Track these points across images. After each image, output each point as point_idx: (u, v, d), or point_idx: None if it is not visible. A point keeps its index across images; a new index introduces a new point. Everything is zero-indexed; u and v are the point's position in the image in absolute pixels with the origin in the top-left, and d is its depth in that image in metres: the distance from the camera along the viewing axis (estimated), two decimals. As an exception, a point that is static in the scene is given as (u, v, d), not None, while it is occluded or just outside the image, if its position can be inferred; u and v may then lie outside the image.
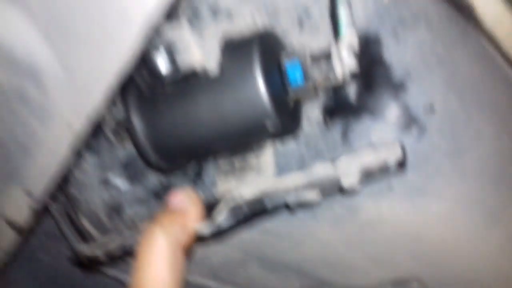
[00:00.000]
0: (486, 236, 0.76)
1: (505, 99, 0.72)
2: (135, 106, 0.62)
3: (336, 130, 0.66)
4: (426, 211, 0.69)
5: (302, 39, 0.64)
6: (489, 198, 0.72)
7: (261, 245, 0.81)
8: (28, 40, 0.38)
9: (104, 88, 0.40)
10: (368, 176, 0.58)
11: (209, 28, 0.61)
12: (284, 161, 0.70)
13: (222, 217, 0.58)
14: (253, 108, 0.57)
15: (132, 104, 0.62)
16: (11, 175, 0.54)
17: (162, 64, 0.55)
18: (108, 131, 0.70)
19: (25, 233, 0.68)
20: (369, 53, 0.62)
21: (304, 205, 0.62)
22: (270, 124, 0.58)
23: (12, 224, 0.64)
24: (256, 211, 0.58)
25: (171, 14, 0.43)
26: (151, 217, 0.77)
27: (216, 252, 0.82)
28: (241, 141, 0.63)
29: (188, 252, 0.56)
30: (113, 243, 0.69)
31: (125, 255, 0.68)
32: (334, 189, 0.59)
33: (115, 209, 0.78)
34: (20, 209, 0.60)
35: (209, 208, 0.62)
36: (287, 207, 0.60)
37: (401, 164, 0.57)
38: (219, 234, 0.58)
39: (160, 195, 0.78)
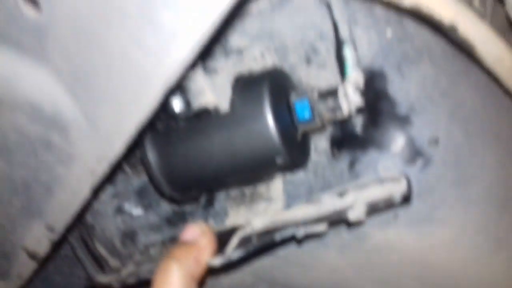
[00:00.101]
0: (491, 261, 0.77)
1: (509, 128, 0.74)
2: (150, 140, 0.65)
3: (343, 160, 0.68)
4: (432, 238, 0.71)
5: (310, 75, 0.66)
6: (493, 224, 0.74)
7: (271, 269, 0.82)
8: (55, 96, 0.41)
9: (125, 138, 0.43)
10: (374, 209, 0.60)
11: (220, 67, 0.63)
12: (293, 190, 0.72)
13: (233, 250, 0.60)
14: (263, 145, 0.59)
15: (147, 139, 0.64)
16: (33, 211, 0.57)
17: (177, 105, 0.57)
18: (124, 163, 0.73)
19: (44, 262, 0.71)
20: (374, 88, 0.64)
21: (312, 236, 0.64)
22: (280, 159, 0.61)
23: (32, 255, 0.66)
24: (265, 244, 0.60)
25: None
26: (164, 244, 0.79)
27: (227, 275, 0.84)
28: (251, 174, 0.66)
29: (200, 283, 0.59)
30: (127, 271, 0.71)
31: (139, 285, 0.71)
32: (341, 221, 0.61)
33: (129, 236, 0.81)
34: (41, 242, 0.63)
35: (221, 238, 0.64)
36: (295, 239, 0.62)
37: (406, 198, 0.59)
38: (229, 266, 0.60)
39: (173, 222, 0.80)
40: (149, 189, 0.78)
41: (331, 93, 0.60)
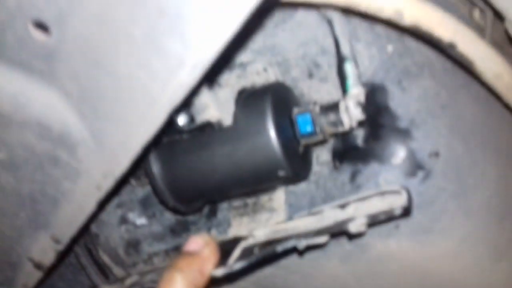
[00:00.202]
0: (492, 270, 0.78)
1: (509, 140, 0.74)
2: (154, 153, 0.66)
3: (345, 172, 0.69)
4: (433, 248, 0.72)
5: (312, 88, 0.67)
6: (494, 234, 0.75)
7: (273, 278, 0.83)
8: (63, 115, 0.42)
9: (131, 155, 0.44)
10: (375, 221, 0.61)
11: (224, 81, 0.64)
12: (295, 201, 0.73)
13: (235, 260, 0.61)
14: (265, 158, 0.61)
15: (151, 152, 0.65)
16: (40, 224, 0.58)
17: (181, 119, 0.58)
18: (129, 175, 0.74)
19: (49, 271, 0.72)
20: (375, 102, 0.65)
21: (313, 247, 0.65)
22: (282, 172, 0.62)
23: (38, 265, 0.67)
24: (267, 255, 0.61)
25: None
26: (168, 253, 0.80)
27: (229, 285, 0.85)
28: (254, 186, 0.67)
29: (203, 293, 0.60)
30: (131, 281, 0.72)
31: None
32: (342, 233, 0.62)
33: (133, 245, 0.82)
34: (46, 252, 0.64)
35: (224, 248, 0.65)
36: (297, 250, 0.63)
37: (407, 210, 0.59)
38: (232, 276, 0.61)
39: (176, 231, 0.81)
40: (153, 199, 0.79)
41: (333, 108, 0.61)
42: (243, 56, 0.65)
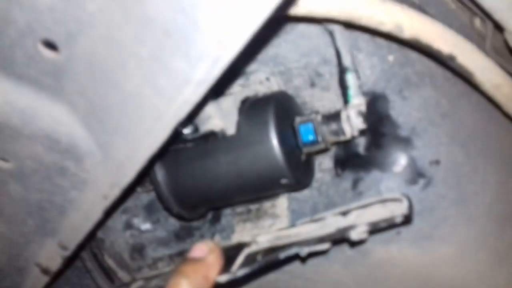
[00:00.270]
0: (493, 276, 0.78)
1: (510, 147, 0.75)
2: (159, 161, 0.67)
3: (347, 179, 0.70)
4: (434, 254, 0.73)
5: (314, 97, 0.68)
6: (494, 240, 0.75)
7: (276, 283, 0.84)
8: (71, 128, 0.43)
9: (137, 166, 0.45)
10: (376, 228, 0.62)
11: (227, 91, 0.65)
12: (298, 207, 0.74)
13: (238, 267, 0.62)
14: (268, 166, 0.62)
15: (156, 160, 0.67)
16: (47, 231, 0.59)
17: (186, 129, 0.60)
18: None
19: (55, 276, 0.73)
20: (376, 111, 0.66)
21: (315, 254, 0.66)
22: (285, 180, 0.63)
23: (45, 271, 0.69)
24: (270, 262, 0.62)
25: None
26: (172, 258, 0.81)
27: (233, 290, 0.86)
28: (257, 193, 0.68)
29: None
30: (136, 286, 0.74)
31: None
32: (344, 240, 0.63)
33: (138, 250, 0.83)
34: (53, 258, 0.65)
35: (227, 254, 0.66)
36: (299, 257, 0.64)
37: (408, 218, 0.60)
38: (236, 282, 0.62)
39: (180, 236, 0.82)
40: (157, 205, 0.80)
41: (334, 117, 0.62)
42: (246, 66, 0.66)
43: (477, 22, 0.68)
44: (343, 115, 0.61)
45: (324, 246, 0.62)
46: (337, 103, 0.67)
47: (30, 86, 0.40)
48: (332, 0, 0.49)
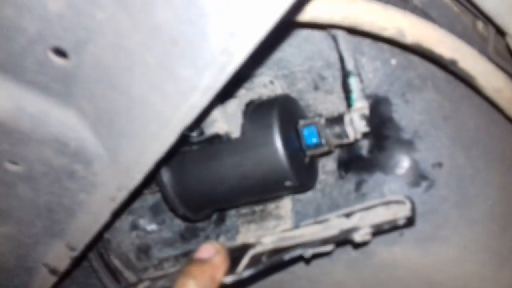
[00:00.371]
0: (495, 277, 0.79)
1: (511, 149, 0.76)
2: (165, 164, 0.68)
3: (350, 181, 0.71)
4: (436, 256, 0.73)
5: (317, 100, 0.69)
6: (496, 242, 0.76)
7: (280, 283, 0.85)
8: (79, 133, 0.44)
9: (144, 170, 0.46)
10: (379, 230, 0.63)
11: (232, 94, 0.66)
12: (302, 209, 0.74)
13: (244, 268, 0.63)
14: (272, 169, 0.62)
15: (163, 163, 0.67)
16: (55, 232, 0.60)
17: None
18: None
19: (63, 277, 0.74)
20: (379, 114, 0.67)
21: (319, 255, 0.67)
22: (289, 182, 0.63)
23: (52, 271, 0.70)
24: (274, 263, 0.63)
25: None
26: (178, 259, 0.82)
27: (237, 290, 0.87)
28: (261, 195, 0.69)
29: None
30: (143, 286, 0.75)
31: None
32: (347, 242, 0.64)
33: (144, 250, 0.84)
34: (61, 259, 0.66)
35: (233, 254, 0.67)
36: (304, 258, 0.64)
37: (410, 221, 0.61)
38: (241, 283, 0.63)
39: (185, 237, 0.83)
40: (163, 206, 0.81)
41: (338, 120, 0.63)
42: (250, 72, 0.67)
43: (480, 25, 0.68)
44: (347, 118, 0.62)
45: (328, 247, 0.62)
46: (340, 106, 0.68)
47: (40, 92, 0.41)
48: (335, 6, 0.50)
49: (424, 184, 0.67)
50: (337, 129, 0.63)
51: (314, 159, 0.70)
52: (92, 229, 0.57)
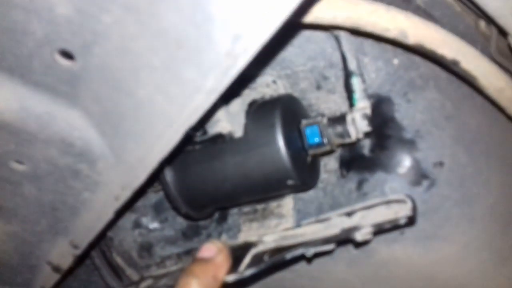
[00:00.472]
0: (496, 274, 0.79)
1: (513, 148, 0.76)
2: (168, 163, 0.68)
3: (352, 180, 0.71)
4: (437, 254, 0.74)
5: (320, 99, 0.69)
6: (497, 240, 0.76)
7: (282, 281, 0.85)
8: (85, 133, 0.44)
9: (148, 169, 0.46)
10: (381, 229, 0.63)
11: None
12: (303, 207, 0.75)
13: (246, 267, 0.63)
14: (275, 168, 0.63)
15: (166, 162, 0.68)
16: (59, 230, 0.61)
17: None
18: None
19: (66, 274, 0.75)
20: (381, 113, 0.67)
21: (320, 254, 0.67)
22: (291, 181, 0.64)
23: (56, 269, 0.70)
24: (276, 262, 0.63)
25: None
26: (180, 257, 0.83)
27: (239, 287, 0.87)
28: (263, 194, 0.69)
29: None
30: (146, 285, 0.75)
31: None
32: (348, 241, 0.64)
33: (146, 248, 0.85)
34: (65, 257, 0.67)
35: (235, 253, 0.67)
36: (305, 257, 0.65)
37: (412, 220, 0.61)
38: (243, 282, 0.64)
39: (187, 235, 0.83)
40: (165, 204, 0.82)
41: (340, 120, 0.63)
42: (253, 71, 0.67)
43: (482, 24, 0.68)
44: (349, 118, 0.62)
45: (329, 246, 0.63)
46: (343, 106, 0.68)
47: (47, 93, 0.41)
48: (338, 7, 0.50)
49: (425, 183, 0.68)
50: (339, 128, 0.63)
51: (316, 158, 0.70)
52: (95, 227, 0.57)
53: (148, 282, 0.76)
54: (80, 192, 0.52)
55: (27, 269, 0.72)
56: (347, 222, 0.64)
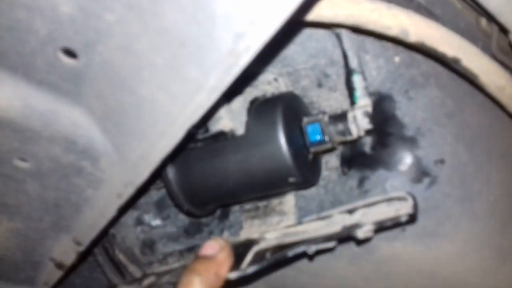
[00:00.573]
0: (496, 272, 0.79)
1: (513, 145, 0.76)
2: (170, 160, 0.68)
3: (353, 178, 0.72)
4: (438, 251, 0.74)
5: (321, 97, 0.70)
6: (498, 237, 0.77)
7: (283, 278, 0.86)
8: (88, 130, 0.45)
9: (151, 166, 0.47)
10: (382, 227, 0.63)
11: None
12: (305, 204, 0.75)
13: (248, 264, 0.64)
14: (276, 166, 0.63)
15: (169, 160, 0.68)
16: (62, 227, 0.61)
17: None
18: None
19: (69, 271, 0.75)
20: (382, 111, 0.67)
21: (322, 251, 0.68)
22: (292, 179, 0.64)
23: (59, 265, 0.71)
24: (278, 260, 0.64)
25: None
26: (182, 254, 0.83)
27: (242, 286, 0.88)
28: (265, 191, 0.69)
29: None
30: (148, 282, 0.76)
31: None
32: (350, 238, 0.64)
33: (148, 245, 0.85)
34: (68, 253, 0.67)
35: (236, 250, 0.68)
36: (307, 254, 0.65)
37: (413, 217, 0.62)
38: (245, 279, 0.64)
39: (189, 232, 0.84)
40: (167, 202, 0.82)
41: (341, 117, 0.64)
42: (255, 67, 0.67)
43: (483, 22, 0.68)
44: (350, 116, 0.62)
45: (331, 244, 0.63)
46: (344, 103, 0.69)
47: (50, 91, 0.42)
48: (339, 5, 0.51)
49: (426, 180, 0.68)
50: (340, 126, 0.63)
51: (317, 155, 0.71)
52: (98, 224, 0.58)
53: (151, 279, 0.76)
54: (83, 190, 0.52)
55: (30, 266, 0.72)
56: (348, 220, 0.65)
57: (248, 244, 0.69)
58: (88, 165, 0.48)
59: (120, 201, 0.52)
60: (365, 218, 0.63)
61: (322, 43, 0.65)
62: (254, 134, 0.64)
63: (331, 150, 0.69)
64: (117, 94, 0.40)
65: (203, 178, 0.67)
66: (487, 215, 0.74)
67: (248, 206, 0.77)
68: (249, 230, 0.76)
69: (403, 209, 0.62)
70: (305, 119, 0.65)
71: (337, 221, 0.65)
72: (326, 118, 0.64)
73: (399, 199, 0.63)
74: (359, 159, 0.71)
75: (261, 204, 0.76)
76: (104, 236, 0.79)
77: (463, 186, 0.70)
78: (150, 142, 0.43)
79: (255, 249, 0.67)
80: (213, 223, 0.82)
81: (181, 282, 0.59)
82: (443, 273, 0.77)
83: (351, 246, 0.75)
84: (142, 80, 0.38)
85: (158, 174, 0.67)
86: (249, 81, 0.68)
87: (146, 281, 0.75)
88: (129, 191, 0.50)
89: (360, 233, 0.61)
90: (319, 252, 0.66)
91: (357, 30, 0.56)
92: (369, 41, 0.64)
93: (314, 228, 0.66)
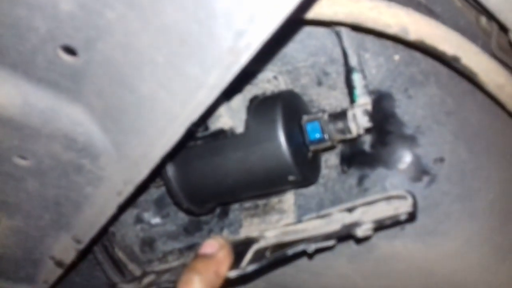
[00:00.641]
0: (496, 270, 0.80)
1: (513, 143, 0.76)
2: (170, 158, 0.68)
3: (352, 176, 0.72)
4: (438, 249, 0.74)
5: (321, 95, 0.70)
6: (498, 235, 0.77)
7: (283, 276, 0.86)
8: (87, 128, 0.45)
9: (150, 164, 0.47)
10: (381, 225, 0.63)
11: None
12: (304, 203, 0.75)
13: (248, 263, 0.64)
14: (276, 164, 0.63)
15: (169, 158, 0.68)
16: (62, 225, 0.61)
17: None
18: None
19: (69, 269, 0.75)
20: (382, 109, 0.67)
21: (322, 249, 0.68)
22: (292, 177, 0.64)
23: (59, 263, 0.71)
24: (278, 258, 0.64)
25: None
26: (182, 252, 0.83)
27: (242, 284, 0.88)
28: (264, 189, 0.70)
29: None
30: (148, 280, 0.76)
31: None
32: (349, 237, 0.65)
33: (148, 244, 0.85)
34: (67, 251, 0.67)
35: (236, 248, 0.68)
36: (306, 253, 0.65)
37: (412, 216, 0.62)
38: (245, 277, 0.64)
39: (189, 230, 0.84)
40: (167, 200, 0.82)
41: (341, 116, 0.64)
42: (254, 65, 0.67)
43: (483, 20, 0.68)
44: (349, 114, 0.62)
45: (330, 242, 0.63)
46: (344, 101, 0.69)
47: (50, 89, 0.42)
48: (339, 3, 0.51)
49: (425, 179, 0.68)
50: (340, 124, 0.63)
51: (317, 154, 0.71)
52: (98, 222, 0.58)
53: (151, 277, 0.76)
54: (83, 187, 0.52)
55: (30, 264, 0.72)
56: (348, 218, 0.65)
57: (248, 242, 0.69)
58: (88, 163, 0.48)
59: (120, 199, 0.52)
60: (365, 217, 0.63)
61: (322, 41, 0.65)
62: (254, 132, 0.64)
63: (330, 148, 0.69)
64: (117, 92, 0.40)
65: (203, 176, 0.67)
66: (486, 213, 0.74)
67: (247, 204, 0.77)
68: (249, 228, 0.76)
69: (403, 207, 0.62)
70: (305, 117, 0.65)
71: (337, 220, 0.65)
72: (325, 116, 0.64)
73: (399, 197, 0.64)
74: (359, 158, 0.71)
75: (261, 202, 0.76)
76: (103, 234, 0.80)
77: (463, 184, 0.70)
78: (150, 140, 0.43)
79: (254, 247, 0.67)
80: (213, 221, 0.82)
81: (180, 280, 0.59)
82: (443, 271, 0.77)
83: (350, 245, 0.75)
84: (142, 78, 0.38)
85: (157, 172, 0.67)
86: (249, 79, 0.68)
87: (146, 280, 0.76)
88: (128, 189, 0.50)
89: (360, 232, 0.62)
90: (318, 251, 0.66)
91: (356, 28, 0.56)
92: (368, 39, 0.64)
93: (314, 226, 0.66)
